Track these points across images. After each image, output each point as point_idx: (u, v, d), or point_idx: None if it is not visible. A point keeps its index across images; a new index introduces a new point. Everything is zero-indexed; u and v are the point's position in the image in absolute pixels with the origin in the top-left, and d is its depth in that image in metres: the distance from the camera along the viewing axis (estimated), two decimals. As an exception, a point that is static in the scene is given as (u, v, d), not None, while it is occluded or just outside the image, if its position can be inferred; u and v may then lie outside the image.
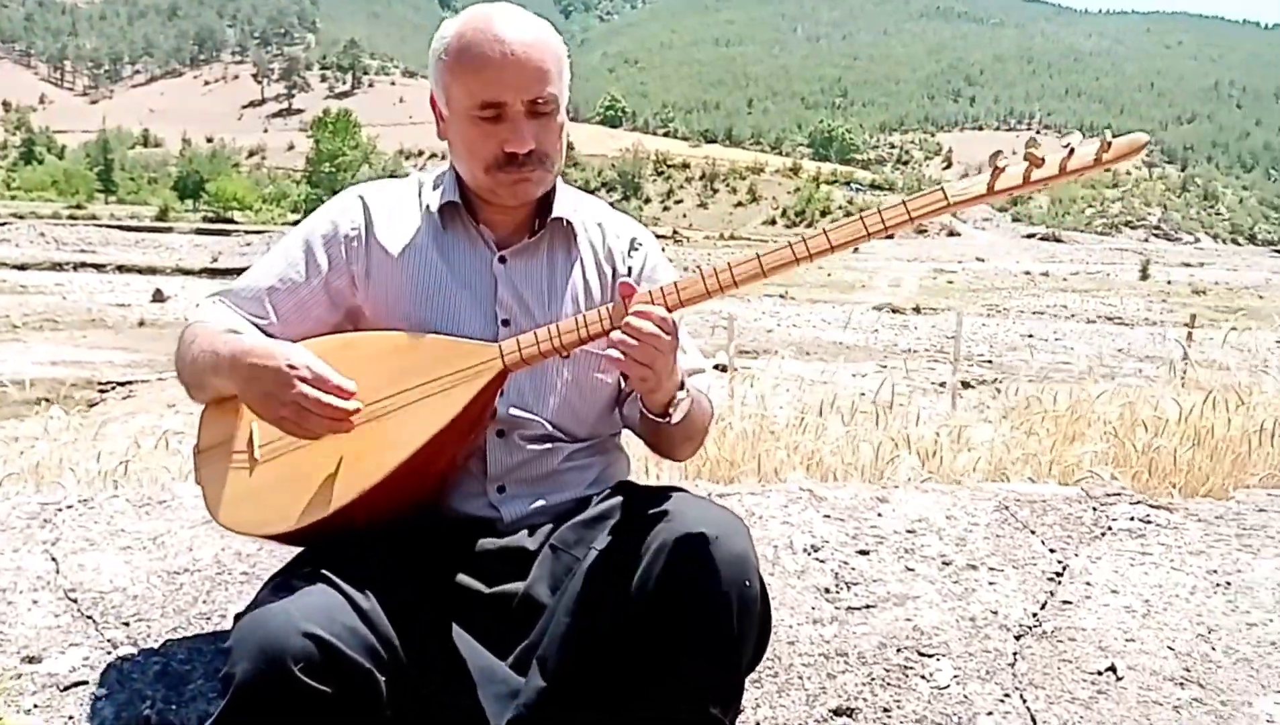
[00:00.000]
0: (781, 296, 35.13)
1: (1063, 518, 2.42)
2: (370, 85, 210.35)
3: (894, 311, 33.02)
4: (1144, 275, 56.65)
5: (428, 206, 1.53)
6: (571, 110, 1.59)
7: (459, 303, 1.48)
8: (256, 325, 1.49)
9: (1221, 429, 3.65)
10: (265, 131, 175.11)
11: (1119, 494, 2.57)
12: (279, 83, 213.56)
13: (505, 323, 1.49)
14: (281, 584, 1.28)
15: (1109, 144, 1.26)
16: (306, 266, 1.50)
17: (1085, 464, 3.51)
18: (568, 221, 1.54)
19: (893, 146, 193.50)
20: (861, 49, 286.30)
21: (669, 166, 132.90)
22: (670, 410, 1.42)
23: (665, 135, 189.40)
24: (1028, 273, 55.83)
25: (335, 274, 1.50)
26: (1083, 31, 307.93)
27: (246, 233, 62.78)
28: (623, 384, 1.57)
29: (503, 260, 1.51)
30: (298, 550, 1.40)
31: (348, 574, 1.27)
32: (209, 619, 1.81)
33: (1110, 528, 2.35)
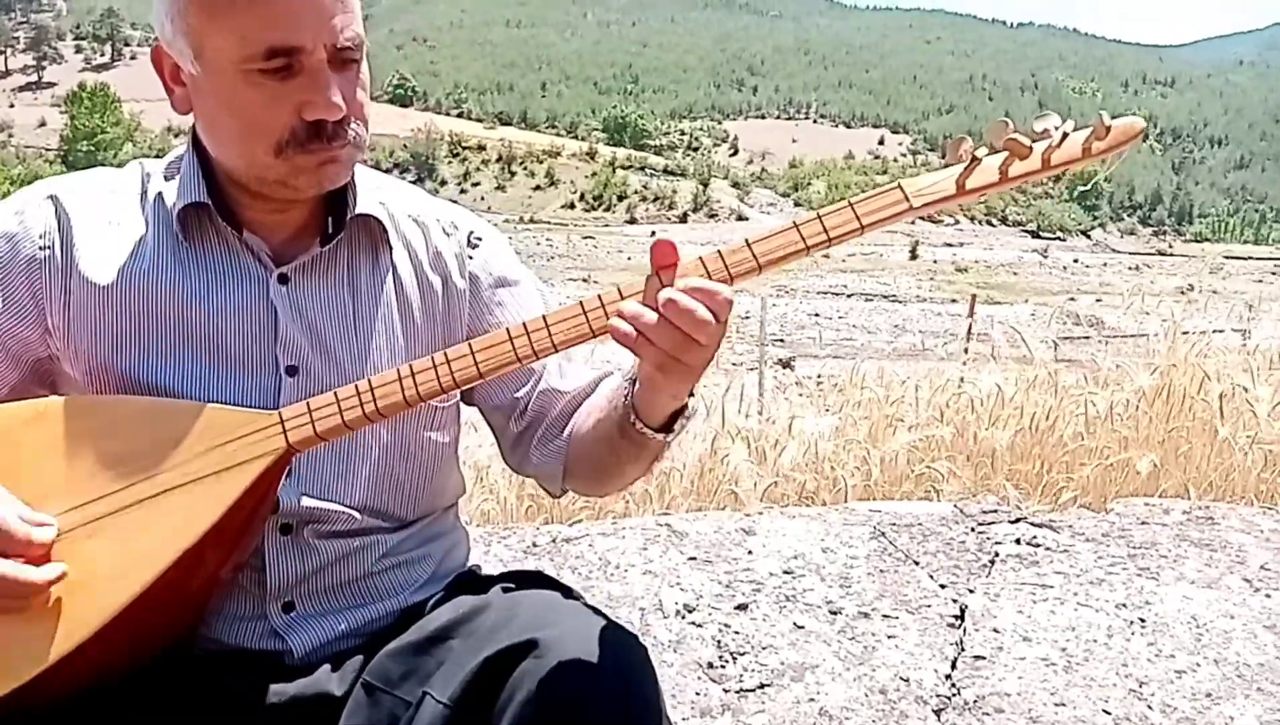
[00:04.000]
0: (585, 281, 35.00)
1: (944, 543, 2.20)
2: (133, 58, 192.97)
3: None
4: (913, 255, 60.78)
5: (159, 207, 1.03)
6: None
7: (217, 348, 1.01)
8: None
9: (1031, 409, 3.63)
10: (12, 106, 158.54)
11: (995, 511, 2.39)
12: (26, 53, 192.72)
13: (291, 371, 1.02)
14: None
15: (1107, 128, 0.95)
16: None
17: (912, 451, 3.39)
18: (375, 219, 1.07)
19: (683, 133, 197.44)
20: (651, 36, 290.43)
21: (464, 148, 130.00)
22: (682, 419, 1.00)
23: (459, 116, 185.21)
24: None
25: (14, 317, 1.00)
26: (853, 26, 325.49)
27: (-12, 218, 56.27)
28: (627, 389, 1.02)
29: (284, 280, 1.03)
30: None
31: None
32: None
33: (997, 554, 2.14)
